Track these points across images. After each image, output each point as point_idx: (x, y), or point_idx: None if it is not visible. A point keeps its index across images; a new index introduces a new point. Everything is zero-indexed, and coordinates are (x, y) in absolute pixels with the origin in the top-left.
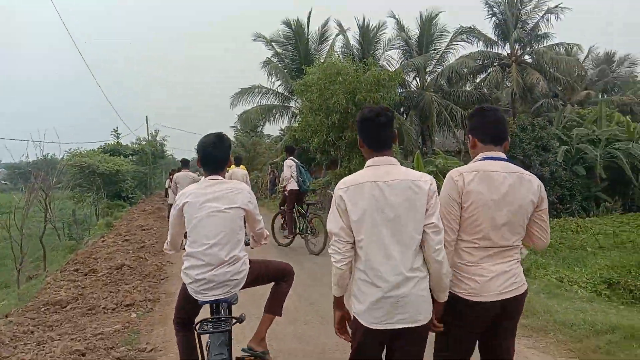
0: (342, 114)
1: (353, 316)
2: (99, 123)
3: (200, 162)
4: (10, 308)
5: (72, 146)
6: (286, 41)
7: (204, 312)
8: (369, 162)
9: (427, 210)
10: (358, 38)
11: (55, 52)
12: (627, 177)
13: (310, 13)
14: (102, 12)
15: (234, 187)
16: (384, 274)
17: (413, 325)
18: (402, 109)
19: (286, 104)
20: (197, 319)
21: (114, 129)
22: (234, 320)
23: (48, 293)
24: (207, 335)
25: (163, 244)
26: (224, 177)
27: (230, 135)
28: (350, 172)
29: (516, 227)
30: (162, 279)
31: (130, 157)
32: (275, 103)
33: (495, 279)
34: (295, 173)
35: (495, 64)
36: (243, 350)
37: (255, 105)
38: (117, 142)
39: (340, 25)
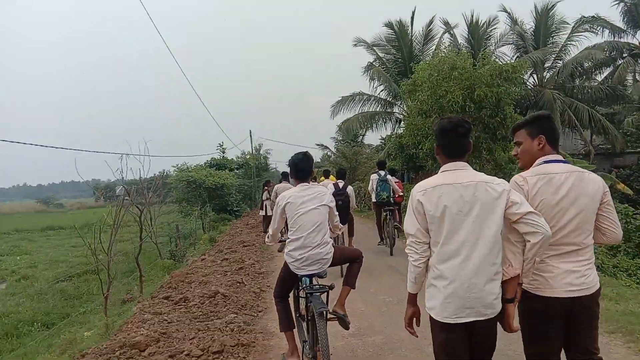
0: (458, 114)
1: (429, 315)
2: (204, 137)
3: (292, 173)
4: (94, 341)
5: (179, 160)
6: (388, 44)
7: None
8: (443, 168)
9: (512, 205)
10: (466, 35)
11: (153, 62)
12: None
13: (414, 12)
14: (195, 21)
15: (321, 190)
16: (459, 271)
17: (482, 318)
18: (517, 110)
19: (389, 110)
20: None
21: (219, 144)
22: (327, 287)
23: (129, 329)
24: (306, 301)
25: (262, 264)
26: (309, 183)
27: (331, 145)
28: None
29: (583, 225)
30: (260, 311)
31: (235, 170)
32: (377, 110)
33: (561, 276)
34: (375, 186)
35: (625, 55)
36: (330, 312)
37: (356, 113)
38: (223, 156)
39: (446, 23)
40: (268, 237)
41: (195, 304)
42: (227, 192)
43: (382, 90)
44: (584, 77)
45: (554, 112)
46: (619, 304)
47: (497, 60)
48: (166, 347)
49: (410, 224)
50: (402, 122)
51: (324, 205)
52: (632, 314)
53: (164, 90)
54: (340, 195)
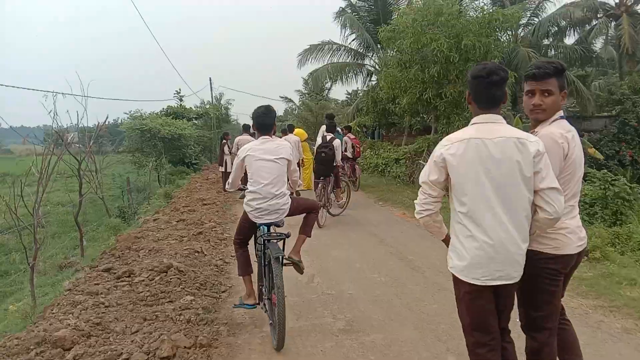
0: (442, 65)
1: (453, 275)
2: (160, 83)
3: (254, 126)
4: (14, 324)
5: (131, 106)
6: None
7: None
8: (474, 119)
9: (538, 172)
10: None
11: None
12: None
13: None
14: None
15: (280, 143)
16: (488, 230)
17: (511, 282)
18: None
19: (360, 62)
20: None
21: (176, 91)
22: (284, 235)
23: (54, 316)
24: (266, 246)
25: (224, 227)
26: (271, 137)
27: (296, 99)
28: None
29: (580, 180)
30: (223, 291)
31: (194, 120)
32: (347, 61)
33: (574, 232)
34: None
35: (599, 16)
36: (285, 258)
37: (325, 63)
38: (181, 104)
39: None
40: (228, 184)
41: (143, 280)
42: (185, 144)
43: (353, 40)
44: (558, 36)
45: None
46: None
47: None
48: (99, 347)
49: (423, 172)
50: (374, 75)
51: (282, 158)
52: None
53: (118, 32)
54: (325, 147)
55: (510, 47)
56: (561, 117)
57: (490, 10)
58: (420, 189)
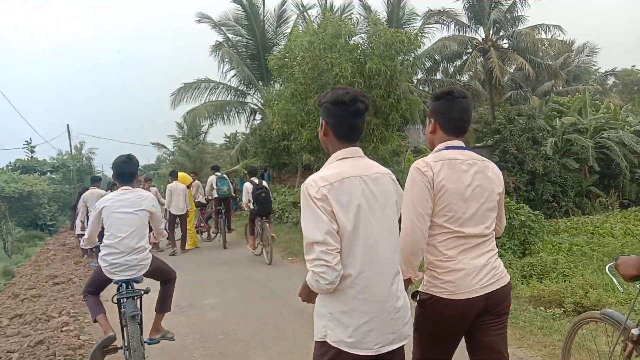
0: None
1: (332, 346)
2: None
3: (115, 176)
4: None
5: None
6: (237, 23)
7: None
8: (341, 154)
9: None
10: (320, 21)
11: None
12: (619, 168)
13: None
14: None
15: (141, 194)
16: (379, 286)
17: (404, 343)
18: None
19: (242, 99)
20: (109, 295)
21: (26, 141)
22: (142, 291)
23: None
24: (122, 305)
25: (81, 324)
26: (133, 187)
27: (169, 145)
28: None
29: (488, 215)
30: None
31: (49, 174)
32: (227, 99)
33: (475, 273)
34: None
35: (469, 50)
36: (146, 342)
37: (203, 102)
38: (32, 157)
39: (301, 4)
40: (83, 241)
41: None
42: (37, 202)
43: (233, 76)
44: (433, 70)
45: (413, 105)
46: None
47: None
48: None
49: (315, 228)
50: (258, 114)
51: (143, 210)
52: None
53: None
54: (260, 189)
55: (414, 72)
56: (447, 148)
57: (394, 31)
58: (319, 251)
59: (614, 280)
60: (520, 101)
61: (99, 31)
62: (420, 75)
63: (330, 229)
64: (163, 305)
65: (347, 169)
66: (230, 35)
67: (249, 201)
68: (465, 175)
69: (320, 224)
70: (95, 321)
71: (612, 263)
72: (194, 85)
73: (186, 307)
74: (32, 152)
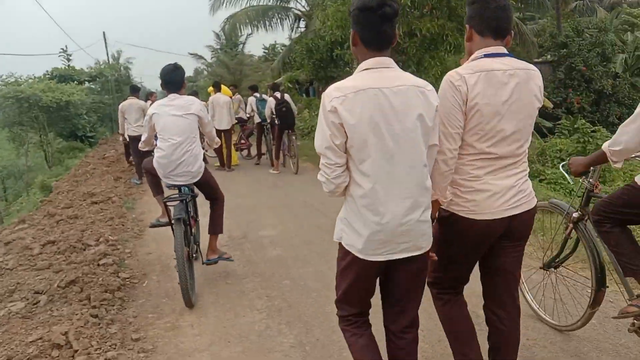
0: None
1: (345, 248)
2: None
3: (163, 84)
4: None
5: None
6: None
7: None
8: (366, 64)
9: (433, 128)
10: None
11: None
12: None
13: None
14: None
15: (189, 99)
16: (390, 199)
17: (416, 254)
18: None
19: (285, 4)
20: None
21: (62, 49)
22: (189, 195)
23: None
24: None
25: (122, 252)
26: (181, 95)
27: (207, 56)
28: None
29: (525, 133)
30: None
31: (87, 84)
32: (270, 4)
33: (500, 194)
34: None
35: None
36: (204, 263)
37: (243, 7)
38: (69, 65)
39: None
40: (142, 143)
41: None
42: (76, 113)
43: None
44: None
45: None
46: None
47: None
48: None
49: (320, 139)
50: (302, 20)
51: (192, 114)
52: None
53: None
54: (282, 103)
55: None
56: (485, 55)
57: None
58: (322, 162)
59: (566, 175)
60: (586, 13)
61: None
62: None
63: (331, 144)
64: (215, 227)
65: (367, 80)
66: None
67: (272, 114)
68: (503, 90)
69: (323, 138)
70: (155, 196)
71: (565, 162)
72: None
73: (240, 238)
74: (69, 60)
